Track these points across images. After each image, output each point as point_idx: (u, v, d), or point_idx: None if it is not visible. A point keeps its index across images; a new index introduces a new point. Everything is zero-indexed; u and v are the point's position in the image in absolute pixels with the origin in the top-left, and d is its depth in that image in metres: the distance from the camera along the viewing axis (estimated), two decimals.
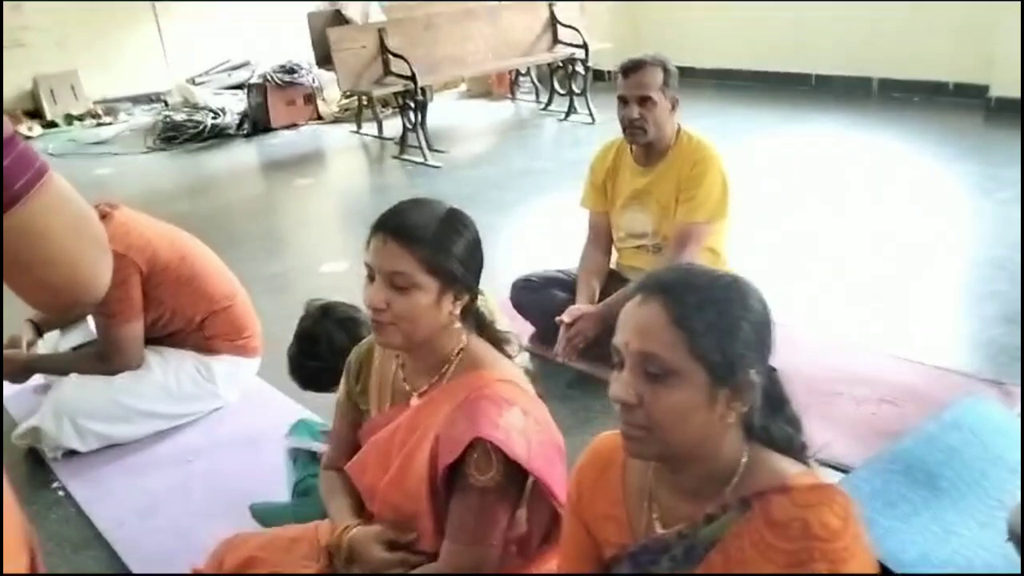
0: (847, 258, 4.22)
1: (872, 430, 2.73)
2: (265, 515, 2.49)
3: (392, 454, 1.71)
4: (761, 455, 1.28)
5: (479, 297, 1.77)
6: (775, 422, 1.31)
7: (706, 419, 1.22)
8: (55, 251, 0.98)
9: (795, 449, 1.32)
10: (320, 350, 2.42)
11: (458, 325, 1.71)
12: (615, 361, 1.26)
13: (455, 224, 1.67)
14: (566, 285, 3.46)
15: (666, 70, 3.18)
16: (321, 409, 3.00)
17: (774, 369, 1.30)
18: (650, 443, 1.23)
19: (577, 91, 7.90)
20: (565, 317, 3.20)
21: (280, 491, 2.55)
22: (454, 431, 1.59)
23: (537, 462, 1.60)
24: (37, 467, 2.96)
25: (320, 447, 2.46)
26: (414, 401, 1.74)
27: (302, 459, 2.49)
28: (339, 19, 7.74)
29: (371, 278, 1.64)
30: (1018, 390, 2.87)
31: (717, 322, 1.20)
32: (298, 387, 2.60)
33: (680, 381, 1.20)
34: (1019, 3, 6.11)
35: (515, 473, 1.60)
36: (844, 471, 2.45)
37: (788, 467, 1.27)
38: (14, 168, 0.93)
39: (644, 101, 3.13)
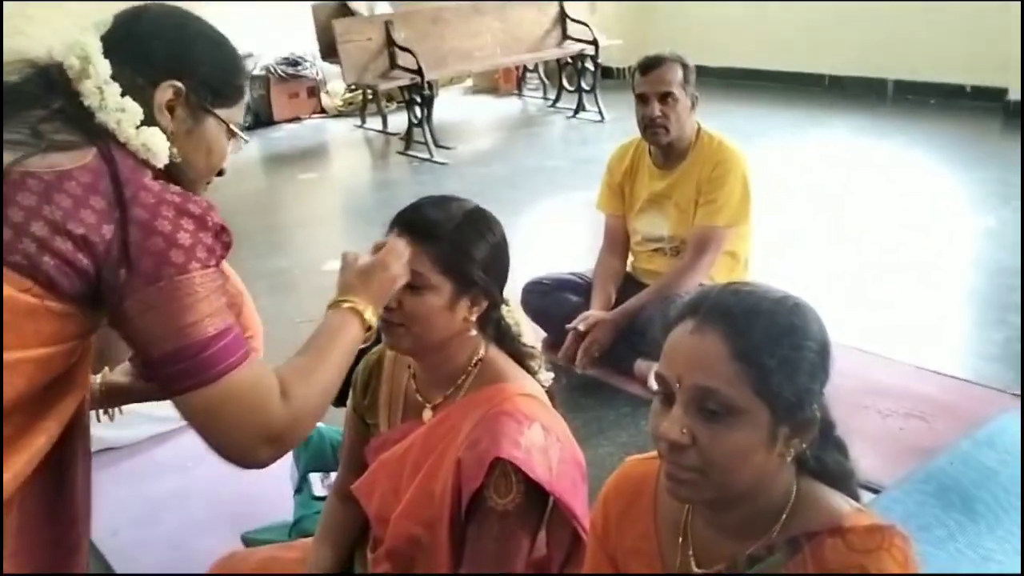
0: (862, 266, 4.11)
1: (900, 446, 2.63)
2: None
3: (404, 477, 1.60)
4: (811, 490, 1.18)
5: (503, 307, 1.67)
6: (827, 451, 1.20)
7: (764, 459, 1.10)
8: (219, 431, 1.23)
9: (846, 477, 1.21)
10: None
11: (474, 333, 1.60)
12: (660, 392, 1.14)
13: (477, 224, 1.58)
14: (579, 288, 3.36)
15: (685, 67, 3.10)
16: (327, 413, 2.90)
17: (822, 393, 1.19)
18: (703, 487, 1.11)
19: (586, 88, 7.79)
20: (580, 325, 3.10)
21: (280, 502, 2.46)
22: (475, 452, 1.48)
23: (559, 483, 1.50)
24: None
25: (319, 489, 2.36)
26: (427, 415, 1.64)
27: (303, 495, 2.38)
28: (344, 11, 7.63)
29: None
30: None
31: (784, 355, 1.08)
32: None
33: (741, 420, 1.07)
34: None
35: (536, 495, 1.49)
36: (872, 489, 2.35)
37: (841, 504, 1.16)
38: (228, 350, 1.21)
39: (665, 98, 3.03)
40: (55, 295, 1.14)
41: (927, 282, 3.89)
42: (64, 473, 1.33)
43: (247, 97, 1.49)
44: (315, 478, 2.41)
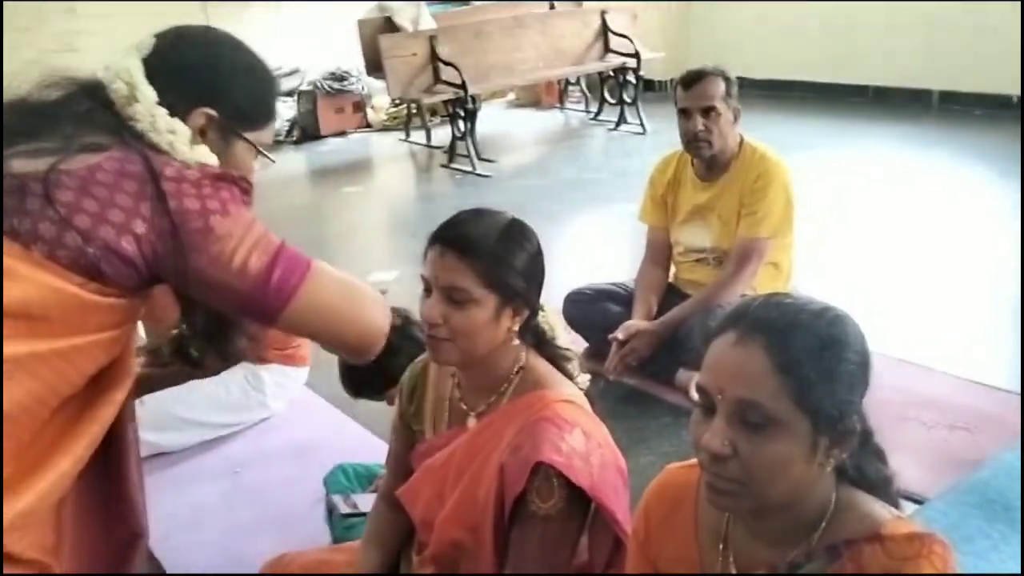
0: (906, 277, 4.08)
1: (944, 457, 2.61)
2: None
3: (448, 482, 1.63)
4: (850, 497, 1.19)
5: (539, 313, 1.70)
6: (866, 459, 1.21)
7: (804, 469, 1.11)
8: (337, 317, 1.36)
9: (885, 484, 1.22)
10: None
11: (517, 342, 1.63)
12: (702, 404, 1.15)
13: (516, 236, 1.60)
14: (621, 299, 3.38)
15: (727, 80, 3.10)
16: (373, 423, 2.94)
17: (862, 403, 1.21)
18: (744, 497, 1.12)
19: (628, 101, 7.81)
20: (619, 334, 3.12)
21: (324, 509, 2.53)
22: (517, 457, 1.51)
23: (600, 488, 1.52)
24: None
25: (343, 507, 2.44)
26: (471, 423, 1.67)
27: (337, 516, 2.46)
28: (389, 26, 7.72)
29: (427, 291, 1.57)
30: None
31: (826, 368, 1.10)
32: (349, 396, 2.50)
33: (782, 432, 1.09)
34: None
35: (578, 499, 1.51)
36: (916, 501, 2.34)
37: (880, 511, 1.17)
38: (287, 271, 1.30)
39: (708, 112, 3.04)
40: (101, 286, 1.20)
41: (971, 293, 3.86)
42: (116, 465, 1.39)
43: (277, 118, 1.56)
44: (338, 499, 2.50)
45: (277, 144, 8.17)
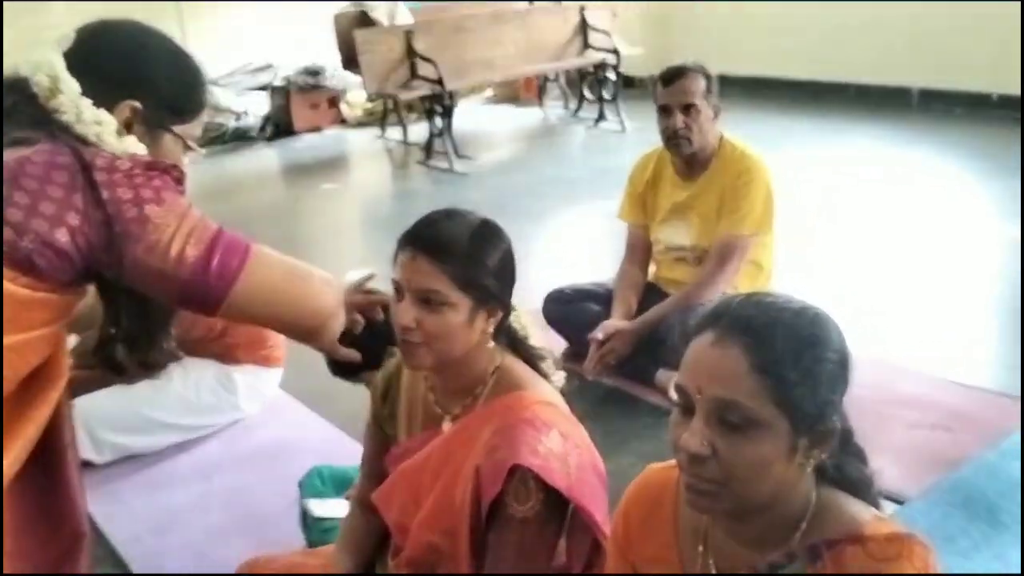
0: (886, 276, 4.08)
1: (925, 457, 2.60)
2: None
3: (424, 486, 1.60)
4: (831, 498, 1.18)
5: (511, 312, 1.67)
6: (847, 459, 1.20)
7: (784, 470, 1.10)
8: (282, 301, 1.39)
9: (864, 484, 1.21)
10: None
11: (491, 344, 1.61)
12: (680, 404, 1.14)
13: (488, 237, 1.58)
14: (600, 298, 3.35)
15: (707, 77, 3.09)
16: (349, 424, 2.89)
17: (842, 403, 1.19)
18: (723, 498, 1.10)
19: (607, 97, 7.79)
20: (599, 333, 3.10)
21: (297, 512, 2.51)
22: (493, 460, 1.48)
23: (578, 490, 1.50)
24: None
25: (317, 511, 2.41)
26: (446, 426, 1.64)
27: (312, 520, 2.42)
28: (365, 21, 7.66)
29: (399, 295, 1.54)
30: None
31: (805, 368, 1.08)
32: (330, 373, 2.43)
33: (761, 432, 1.07)
34: None
35: (556, 502, 1.49)
36: (896, 501, 2.33)
37: (861, 512, 1.16)
38: (226, 257, 1.31)
39: (688, 109, 3.03)
40: (34, 280, 1.20)
41: (952, 292, 3.86)
42: (54, 466, 1.38)
43: (206, 110, 1.57)
44: (312, 503, 2.47)
45: (250, 140, 8.10)
